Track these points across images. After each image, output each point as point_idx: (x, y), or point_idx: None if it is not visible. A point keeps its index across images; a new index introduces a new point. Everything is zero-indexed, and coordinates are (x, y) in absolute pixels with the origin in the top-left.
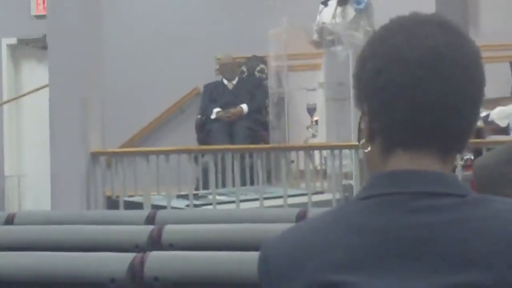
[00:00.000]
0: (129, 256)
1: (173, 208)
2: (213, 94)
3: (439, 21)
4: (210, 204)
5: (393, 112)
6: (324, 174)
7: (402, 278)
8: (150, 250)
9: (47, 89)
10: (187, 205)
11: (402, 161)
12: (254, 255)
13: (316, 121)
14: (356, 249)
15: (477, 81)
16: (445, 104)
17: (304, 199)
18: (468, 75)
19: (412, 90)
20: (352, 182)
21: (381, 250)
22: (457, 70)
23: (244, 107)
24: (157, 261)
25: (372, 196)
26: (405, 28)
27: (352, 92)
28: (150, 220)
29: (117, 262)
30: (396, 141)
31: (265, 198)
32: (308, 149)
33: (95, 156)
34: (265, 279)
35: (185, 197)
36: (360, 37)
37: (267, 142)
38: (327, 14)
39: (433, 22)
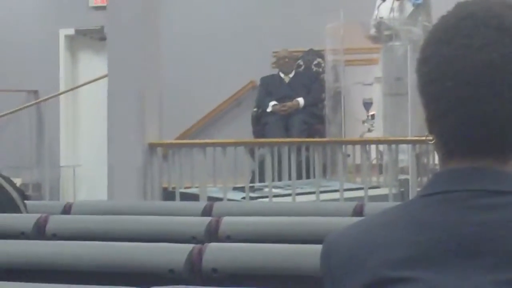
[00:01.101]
0: (187, 247)
1: (229, 200)
2: (269, 87)
3: (498, 22)
4: (266, 197)
5: (446, 124)
6: (380, 169)
7: (462, 275)
8: (207, 242)
9: (104, 80)
10: (243, 198)
11: (461, 163)
12: (312, 248)
13: (373, 116)
14: (416, 245)
15: None
16: (499, 117)
17: (360, 193)
18: None
19: (465, 104)
20: (408, 177)
21: (441, 247)
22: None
23: (300, 100)
24: (216, 252)
25: (434, 193)
26: (461, 34)
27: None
28: (207, 212)
29: (175, 253)
30: (452, 151)
31: (321, 192)
32: (365, 143)
33: (152, 147)
34: (327, 274)
35: (241, 189)
36: (418, 32)
37: (323, 136)
38: (385, 9)
39: (491, 24)
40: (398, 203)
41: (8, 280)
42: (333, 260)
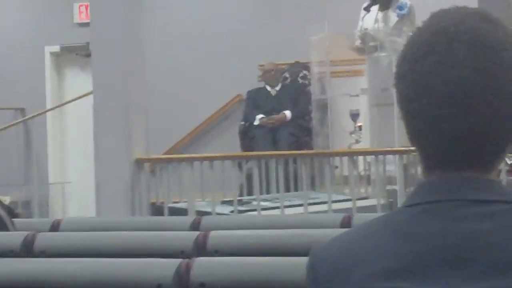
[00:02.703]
0: (175, 262)
1: (217, 214)
2: (256, 100)
3: (469, 37)
4: (255, 210)
5: (425, 141)
6: (368, 180)
7: (448, 285)
8: (196, 256)
9: (90, 96)
10: (232, 211)
11: (443, 174)
12: (300, 260)
13: (360, 127)
14: (402, 256)
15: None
16: (476, 132)
17: (348, 205)
18: (500, 99)
19: (440, 123)
20: (396, 187)
21: (425, 257)
22: (486, 101)
23: (287, 113)
24: (204, 267)
25: (419, 203)
26: (434, 50)
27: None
28: (195, 226)
29: (163, 268)
30: (432, 165)
31: (309, 204)
32: (352, 155)
33: (139, 163)
34: (314, 286)
35: (229, 203)
36: (403, 43)
37: (310, 148)
38: (370, 20)
39: (463, 40)
40: (381, 214)
41: None
42: (318, 273)
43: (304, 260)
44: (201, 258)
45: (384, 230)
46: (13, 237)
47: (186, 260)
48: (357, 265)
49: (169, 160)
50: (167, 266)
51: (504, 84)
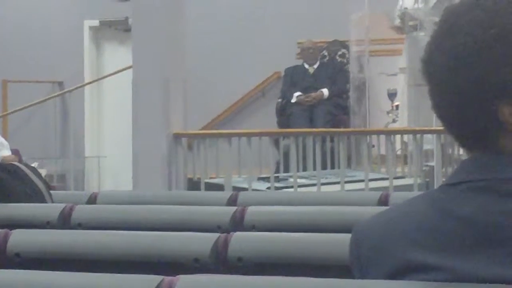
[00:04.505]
0: (213, 236)
1: (254, 190)
2: (294, 78)
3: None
4: (291, 187)
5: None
6: (405, 159)
7: (486, 263)
8: (233, 231)
9: (128, 71)
10: (268, 188)
11: (485, 153)
12: (338, 236)
13: (397, 106)
14: (441, 234)
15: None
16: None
17: (385, 183)
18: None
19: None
20: (433, 164)
21: (466, 235)
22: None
23: (325, 91)
24: (241, 241)
25: (462, 182)
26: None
27: None
28: (232, 201)
29: (201, 242)
30: (472, 144)
31: (346, 182)
32: (390, 134)
33: (177, 137)
34: (356, 263)
35: (266, 179)
36: None
37: (347, 127)
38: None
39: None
40: (422, 192)
41: (34, 269)
42: (361, 249)
43: (341, 236)
44: (239, 233)
45: (427, 207)
46: (50, 209)
47: (224, 235)
48: (399, 242)
49: (207, 136)
50: (205, 240)
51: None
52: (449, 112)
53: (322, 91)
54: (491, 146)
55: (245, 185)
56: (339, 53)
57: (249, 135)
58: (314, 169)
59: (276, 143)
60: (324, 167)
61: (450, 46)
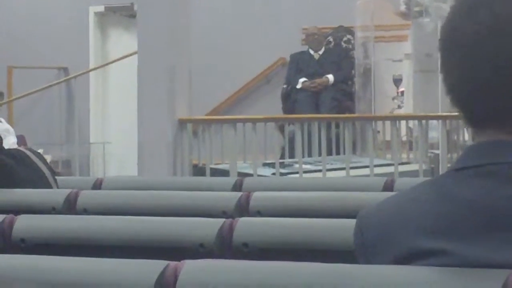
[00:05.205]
0: (218, 221)
1: (259, 176)
2: (299, 64)
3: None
4: (296, 172)
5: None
6: (410, 145)
7: (494, 248)
8: (238, 217)
9: (133, 57)
10: (273, 173)
11: (491, 137)
12: (343, 222)
13: (402, 92)
14: (448, 218)
15: None
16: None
17: (390, 169)
18: None
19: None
20: (438, 151)
21: (473, 220)
22: None
23: (330, 77)
24: (247, 227)
25: (467, 167)
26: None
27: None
28: (237, 187)
29: (206, 227)
30: (479, 129)
31: (351, 168)
32: (395, 119)
33: (182, 123)
34: (361, 249)
35: (271, 165)
36: (447, 9)
37: (352, 113)
38: None
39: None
40: (429, 178)
41: (39, 254)
42: (366, 235)
43: (346, 222)
44: (245, 218)
45: (433, 193)
46: (55, 195)
47: (230, 220)
48: (405, 227)
49: (212, 121)
50: (210, 226)
51: None
52: (473, 84)
53: (327, 77)
54: (509, 125)
55: (250, 171)
56: (345, 39)
57: (254, 121)
58: (319, 155)
59: (281, 129)
60: (329, 153)
61: (484, 13)
